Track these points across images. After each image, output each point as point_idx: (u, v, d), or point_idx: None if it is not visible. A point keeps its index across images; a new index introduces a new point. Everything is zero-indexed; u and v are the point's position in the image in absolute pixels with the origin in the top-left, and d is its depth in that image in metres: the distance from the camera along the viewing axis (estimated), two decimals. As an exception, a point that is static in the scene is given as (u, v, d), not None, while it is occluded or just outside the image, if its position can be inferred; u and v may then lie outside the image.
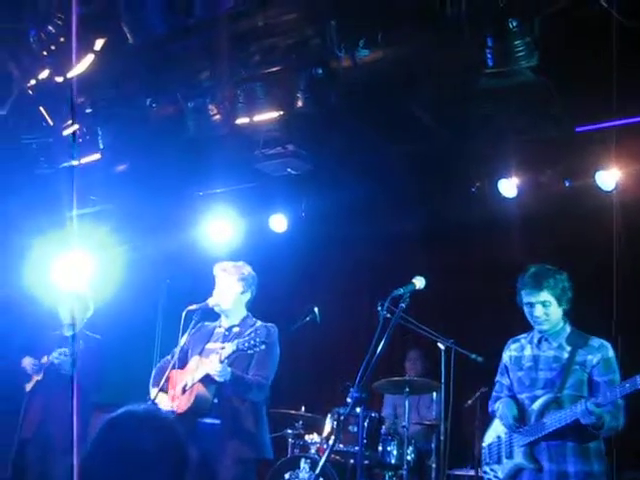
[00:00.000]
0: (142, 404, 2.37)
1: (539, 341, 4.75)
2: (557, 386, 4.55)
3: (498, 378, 4.99)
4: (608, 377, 4.52)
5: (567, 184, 7.22)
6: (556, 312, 4.65)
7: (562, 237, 7.49)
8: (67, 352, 6.54)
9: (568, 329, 4.72)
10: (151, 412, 2.32)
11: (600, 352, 4.57)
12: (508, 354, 4.92)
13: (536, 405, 4.57)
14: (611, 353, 4.60)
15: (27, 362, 6.78)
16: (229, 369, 5.00)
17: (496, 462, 4.78)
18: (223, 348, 5.08)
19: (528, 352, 4.78)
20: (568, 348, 4.63)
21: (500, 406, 4.79)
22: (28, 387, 6.82)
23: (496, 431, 4.85)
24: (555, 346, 4.68)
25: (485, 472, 4.89)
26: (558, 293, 4.63)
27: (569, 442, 4.47)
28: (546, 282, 4.61)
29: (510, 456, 4.67)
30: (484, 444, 4.95)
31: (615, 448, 4.91)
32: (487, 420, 6.77)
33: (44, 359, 6.70)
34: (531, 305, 4.66)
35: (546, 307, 4.62)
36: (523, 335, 4.91)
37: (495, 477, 4.77)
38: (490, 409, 4.97)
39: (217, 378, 4.98)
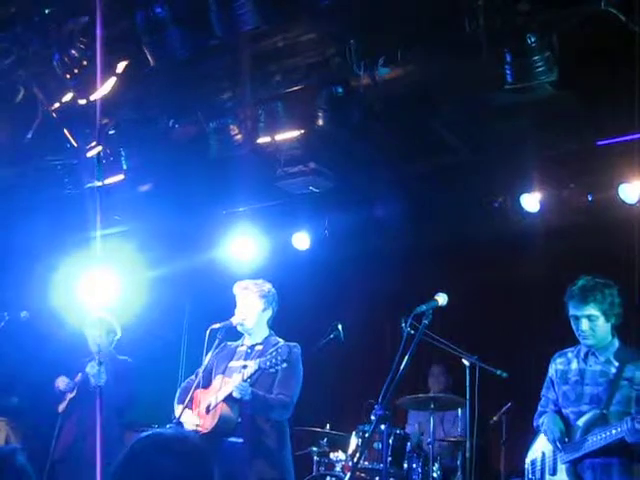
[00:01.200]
0: (169, 427, 2.39)
1: (586, 355, 4.66)
2: (604, 402, 4.45)
3: (544, 392, 4.91)
4: None
5: (590, 198, 7.18)
6: (603, 327, 4.54)
7: (586, 251, 7.44)
8: (99, 366, 6.58)
9: (616, 344, 4.62)
10: (178, 436, 2.31)
11: None
12: (554, 367, 4.84)
13: (582, 421, 4.49)
14: None
15: (61, 381, 6.83)
16: (250, 389, 5.01)
17: (539, 478, 4.70)
18: (245, 367, 5.10)
19: (574, 366, 4.70)
20: (616, 363, 4.53)
21: (545, 420, 4.71)
22: (61, 408, 6.86)
23: (540, 447, 4.77)
24: (602, 360, 4.59)
25: None
26: (606, 308, 4.52)
27: (614, 459, 4.37)
28: (592, 296, 4.51)
29: (554, 473, 4.60)
30: (527, 459, 4.86)
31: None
32: (513, 436, 6.77)
33: (78, 377, 6.76)
34: (577, 318, 4.56)
35: (592, 321, 4.52)
36: (570, 349, 4.82)
37: None
38: (535, 424, 4.88)
39: (235, 395, 4.99)
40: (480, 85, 5.68)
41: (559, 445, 4.55)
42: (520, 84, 5.06)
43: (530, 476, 4.80)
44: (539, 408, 4.92)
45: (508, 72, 5.06)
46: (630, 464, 4.36)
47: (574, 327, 4.62)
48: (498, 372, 6.48)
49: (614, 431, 4.28)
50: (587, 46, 5.22)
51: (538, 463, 4.76)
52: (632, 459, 4.35)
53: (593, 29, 5.00)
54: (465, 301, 7.95)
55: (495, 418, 6.86)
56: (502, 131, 6.47)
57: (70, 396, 6.79)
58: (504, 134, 6.51)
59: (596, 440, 4.37)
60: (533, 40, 4.88)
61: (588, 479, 4.45)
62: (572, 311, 4.60)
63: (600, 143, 6.43)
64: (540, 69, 4.97)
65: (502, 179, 7.54)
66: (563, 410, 4.69)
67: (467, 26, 4.86)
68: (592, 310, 4.51)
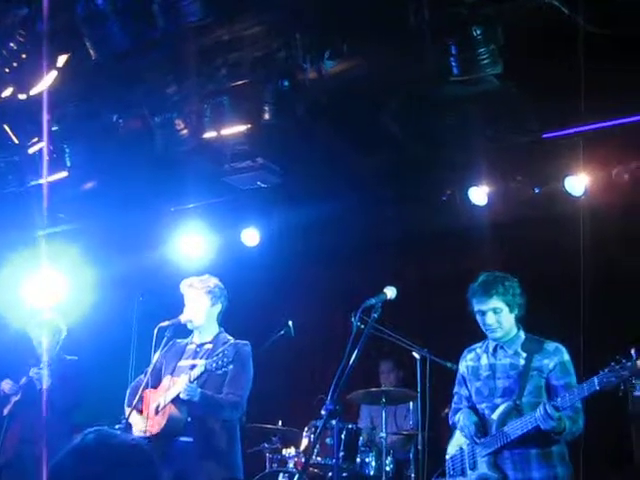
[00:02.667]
0: (115, 431, 2.31)
1: (494, 349, 4.75)
2: (516, 393, 4.54)
3: (456, 389, 5.00)
4: (565, 380, 4.53)
5: (536, 191, 7.25)
6: (508, 318, 4.65)
7: (533, 243, 7.52)
8: (43, 369, 6.47)
9: (522, 335, 4.72)
10: (125, 443, 2.24)
11: (556, 356, 4.59)
12: (465, 364, 4.92)
13: (496, 414, 4.57)
14: (567, 356, 4.61)
15: (6, 384, 6.70)
16: (199, 390, 4.96)
17: (460, 474, 4.76)
18: (194, 366, 5.04)
19: (485, 361, 4.78)
20: (524, 354, 4.63)
21: (461, 417, 4.78)
22: (6, 411, 6.73)
23: (458, 443, 4.84)
24: (511, 353, 4.68)
25: None
26: (509, 299, 4.63)
27: (532, 449, 4.46)
28: (495, 289, 4.62)
29: (474, 467, 4.65)
30: (447, 457, 4.93)
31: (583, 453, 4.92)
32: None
33: (22, 380, 6.63)
34: (482, 313, 4.66)
35: (497, 314, 4.62)
36: (478, 344, 4.91)
37: None
38: (451, 421, 4.97)
39: (183, 397, 4.94)
40: (426, 78, 5.69)
41: (476, 440, 4.61)
42: (466, 76, 5.09)
43: (452, 472, 4.85)
44: (453, 405, 5.01)
45: (454, 64, 5.08)
46: (547, 451, 4.47)
47: (480, 322, 4.71)
48: (449, 365, 6.50)
49: (530, 418, 4.37)
50: (532, 39, 5.26)
51: (458, 458, 4.82)
52: (548, 445, 4.46)
53: (538, 22, 5.03)
54: (415, 294, 7.99)
55: (447, 411, 6.87)
56: (449, 124, 6.49)
57: (15, 399, 6.66)
58: (451, 127, 6.53)
59: (512, 430, 4.45)
60: (478, 32, 4.91)
61: (508, 470, 4.52)
62: (477, 306, 4.69)
63: (546, 136, 6.50)
64: (485, 61, 5.00)
65: (450, 173, 7.57)
66: (477, 405, 4.76)
67: (412, 18, 4.86)
68: (496, 303, 4.62)
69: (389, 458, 6.86)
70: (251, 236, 8.57)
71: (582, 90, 5.29)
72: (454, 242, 7.99)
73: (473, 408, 4.78)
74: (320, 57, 5.34)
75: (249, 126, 6.13)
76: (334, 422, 4.66)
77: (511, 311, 4.65)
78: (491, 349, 4.76)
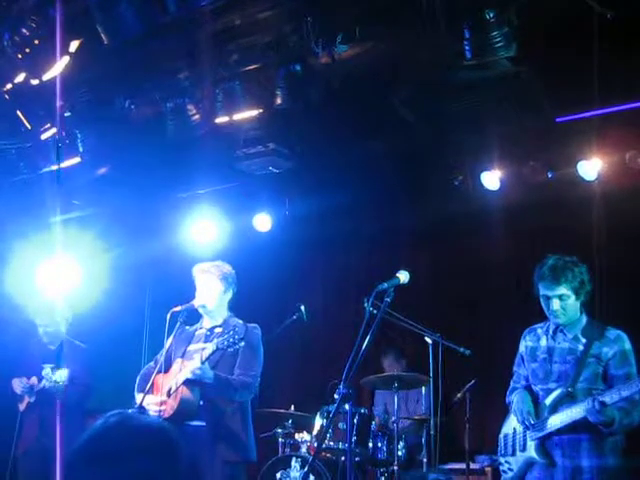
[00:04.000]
0: (132, 411, 2.31)
1: (554, 332, 4.65)
2: (571, 379, 4.46)
3: (515, 368, 4.92)
4: (624, 370, 4.43)
5: (549, 175, 7.22)
6: (573, 305, 4.54)
7: (546, 228, 7.49)
8: (53, 372, 6.50)
9: (584, 320, 4.62)
10: (148, 425, 2.25)
11: (617, 344, 4.48)
12: (524, 344, 4.83)
13: (549, 400, 4.50)
14: (628, 345, 4.50)
15: (17, 384, 6.70)
16: (211, 371, 4.97)
17: (511, 454, 4.73)
18: (204, 349, 5.06)
19: (544, 343, 4.69)
20: (583, 340, 4.53)
21: (515, 399, 4.73)
22: (21, 407, 6.76)
23: (512, 423, 4.78)
24: (570, 338, 4.59)
25: (500, 464, 4.83)
26: (576, 286, 4.51)
27: (583, 436, 4.38)
28: (564, 276, 4.48)
29: (524, 449, 4.61)
30: (500, 435, 4.88)
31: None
32: (477, 413, 6.82)
33: (33, 380, 6.63)
34: (548, 298, 4.54)
35: (563, 301, 4.51)
36: (539, 325, 4.81)
37: (509, 469, 4.71)
38: (507, 400, 4.88)
39: (193, 377, 4.94)
40: (439, 62, 5.66)
41: (527, 424, 4.57)
42: (479, 60, 5.06)
43: (502, 451, 4.82)
44: (511, 384, 4.93)
45: (467, 48, 5.05)
46: (598, 439, 4.37)
47: (544, 306, 4.60)
48: (461, 349, 6.51)
49: (578, 410, 4.30)
50: (546, 22, 5.22)
51: (510, 439, 4.78)
52: (600, 435, 4.35)
53: (552, 5, 4.99)
54: (428, 279, 7.98)
55: (459, 395, 6.89)
56: (462, 109, 6.45)
57: (28, 400, 6.68)
58: (464, 112, 6.49)
59: (560, 419, 4.39)
60: (492, 15, 4.87)
61: (557, 456, 4.46)
62: (543, 291, 4.57)
63: (559, 120, 6.45)
64: (499, 45, 4.96)
65: (462, 157, 7.55)
66: (533, 387, 4.70)
67: (425, 2, 4.83)
68: (564, 290, 4.50)
69: (401, 443, 6.88)
70: (263, 222, 8.57)
71: (595, 74, 5.25)
72: (467, 227, 7.97)
73: (529, 388, 4.72)
74: (332, 41, 5.31)
75: (261, 111, 6.12)
76: (347, 406, 4.67)
77: (577, 298, 4.54)
78: (551, 331, 4.67)
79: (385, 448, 6.87)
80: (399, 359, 8.13)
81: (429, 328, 6.63)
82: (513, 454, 4.71)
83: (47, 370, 6.55)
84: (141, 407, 5.13)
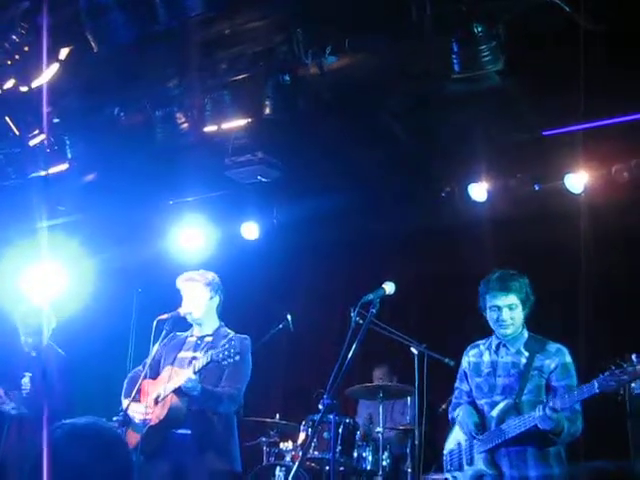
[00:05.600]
0: (83, 418, 2.35)
1: (497, 347, 4.75)
2: (516, 392, 4.55)
3: (457, 384, 5.00)
4: (565, 382, 4.53)
5: (536, 187, 7.27)
6: (519, 316, 4.66)
7: (532, 240, 7.52)
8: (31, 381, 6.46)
9: (526, 334, 4.72)
10: (92, 425, 2.29)
11: (557, 357, 4.59)
12: (467, 360, 4.92)
13: (495, 411, 4.58)
14: (568, 358, 4.61)
15: None
16: (200, 385, 4.96)
17: (457, 469, 4.77)
18: (195, 358, 5.05)
19: (487, 358, 4.78)
20: (526, 353, 4.64)
21: (460, 413, 4.80)
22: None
23: (456, 438, 4.85)
24: (513, 352, 4.69)
25: (447, 479, 4.89)
26: (523, 297, 4.64)
27: (529, 447, 4.47)
28: (513, 285, 4.62)
29: (471, 463, 4.67)
30: (445, 451, 4.94)
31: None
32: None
33: (11, 395, 6.57)
34: (498, 309, 4.65)
35: (512, 310, 4.63)
36: (481, 341, 4.91)
37: None
38: (450, 416, 4.98)
39: (184, 387, 4.95)
40: (427, 74, 5.70)
41: (474, 436, 4.63)
42: (467, 73, 5.09)
43: (449, 467, 4.87)
44: (453, 400, 5.01)
45: (455, 61, 5.09)
46: (543, 450, 4.47)
47: (493, 317, 4.69)
48: (446, 360, 6.53)
49: (528, 417, 4.38)
50: (533, 36, 5.27)
51: (456, 453, 4.83)
52: (545, 445, 4.46)
53: (539, 19, 5.04)
54: (413, 290, 8.01)
55: (444, 406, 6.90)
56: (449, 121, 6.50)
57: (9, 410, 6.61)
58: (451, 124, 6.54)
59: (511, 428, 4.46)
60: (480, 29, 4.91)
61: (504, 466, 4.53)
62: (491, 301, 4.68)
63: (546, 133, 6.50)
64: (486, 58, 5.01)
65: (450, 169, 7.58)
66: (477, 401, 4.77)
67: (414, 15, 4.87)
68: (513, 299, 4.62)
69: (386, 453, 6.90)
70: (251, 230, 8.58)
71: (582, 88, 5.29)
72: (453, 238, 8.00)
73: (473, 404, 4.79)
74: (321, 52, 5.35)
75: (250, 120, 6.14)
76: (331, 416, 4.68)
77: (523, 309, 4.66)
78: (494, 346, 4.77)
79: (370, 458, 6.88)
80: (389, 376, 8.12)
81: (415, 339, 6.64)
82: (460, 469, 4.76)
83: (26, 379, 6.50)
84: (126, 413, 5.11)
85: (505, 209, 7.49)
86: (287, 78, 5.67)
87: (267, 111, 5.80)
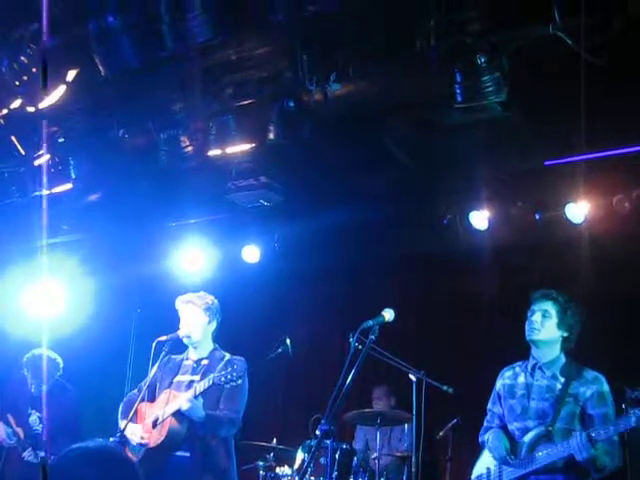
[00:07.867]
0: (93, 441, 2.39)
1: (532, 369, 4.68)
2: (550, 417, 4.48)
3: (490, 407, 4.92)
4: (602, 410, 4.45)
5: (537, 217, 7.29)
6: (552, 328, 4.60)
7: (533, 268, 7.55)
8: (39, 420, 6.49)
9: (563, 359, 4.66)
10: (102, 447, 2.32)
11: (594, 385, 4.52)
12: (501, 382, 4.85)
13: (527, 437, 4.50)
14: (605, 387, 4.54)
15: (1, 431, 6.66)
16: (203, 411, 4.94)
17: None
18: (193, 381, 5.05)
19: (522, 380, 4.71)
20: (562, 379, 4.57)
21: (491, 437, 4.72)
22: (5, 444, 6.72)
23: (485, 463, 4.76)
24: (549, 375, 4.62)
25: None
26: (561, 311, 4.60)
27: (559, 477, 4.39)
28: (556, 298, 4.62)
29: None
30: (472, 476, 4.84)
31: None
32: (459, 451, 6.81)
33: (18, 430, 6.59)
34: (532, 312, 4.64)
35: (544, 317, 4.59)
36: (518, 363, 4.85)
37: None
38: (480, 439, 4.88)
39: (185, 410, 4.93)
40: (430, 103, 5.74)
41: (506, 461, 4.55)
42: (469, 104, 5.13)
43: None
44: (485, 423, 4.92)
45: (458, 91, 5.12)
46: None
47: (527, 322, 4.67)
48: (444, 388, 6.52)
49: (564, 445, 4.30)
50: (536, 68, 5.31)
51: (484, 479, 4.76)
52: (577, 476, 4.36)
53: (542, 51, 5.08)
54: (413, 317, 8.02)
55: (441, 434, 6.89)
56: (452, 149, 6.54)
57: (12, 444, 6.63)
58: (454, 152, 6.58)
59: (543, 457, 4.38)
60: (483, 61, 4.95)
61: None
62: (532, 306, 4.69)
63: (548, 163, 6.53)
64: (489, 89, 5.04)
65: (451, 196, 7.61)
66: (509, 426, 4.69)
67: (418, 45, 4.91)
68: (549, 306, 4.60)
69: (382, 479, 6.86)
70: (251, 253, 8.59)
71: (583, 119, 5.33)
72: (454, 265, 8.02)
73: (504, 428, 4.72)
74: (326, 79, 5.39)
75: (253, 145, 6.18)
76: (328, 442, 4.68)
77: (559, 325, 4.60)
78: (530, 369, 4.70)
79: (367, 485, 6.84)
80: (388, 396, 8.11)
81: (413, 365, 6.64)
82: None
83: (34, 417, 6.52)
84: (123, 435, 5.11)
85: (506, 237, 7.51)
86: (291, 104, 5.71)
87: (271, 136, 5.84)
